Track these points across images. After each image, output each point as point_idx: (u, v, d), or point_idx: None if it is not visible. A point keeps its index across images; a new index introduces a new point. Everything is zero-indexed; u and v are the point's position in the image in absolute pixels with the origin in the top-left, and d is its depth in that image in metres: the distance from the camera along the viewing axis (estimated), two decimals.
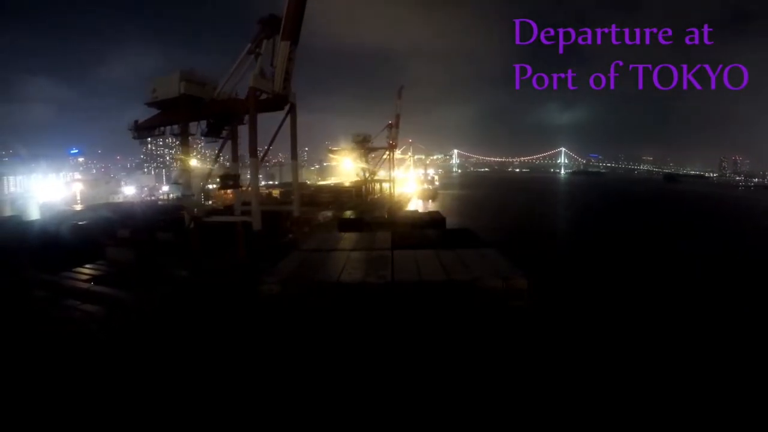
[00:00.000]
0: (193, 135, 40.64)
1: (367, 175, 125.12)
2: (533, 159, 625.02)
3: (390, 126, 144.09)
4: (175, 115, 38.93)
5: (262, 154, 44.52)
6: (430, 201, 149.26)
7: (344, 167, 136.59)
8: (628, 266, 58.54)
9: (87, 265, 38.55)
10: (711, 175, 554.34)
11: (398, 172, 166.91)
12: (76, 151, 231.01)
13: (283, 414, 11.28)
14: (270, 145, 41.75)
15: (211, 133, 40.79)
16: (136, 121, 42.19)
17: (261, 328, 13.09)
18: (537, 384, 11.77)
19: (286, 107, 38.11)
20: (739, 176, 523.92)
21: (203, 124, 40.40)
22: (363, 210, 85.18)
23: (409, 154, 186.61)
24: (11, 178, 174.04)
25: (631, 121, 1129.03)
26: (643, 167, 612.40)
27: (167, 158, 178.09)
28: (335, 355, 11.94)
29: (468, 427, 10.95)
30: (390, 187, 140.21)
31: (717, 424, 21.24)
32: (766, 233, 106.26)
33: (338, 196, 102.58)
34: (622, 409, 19.92)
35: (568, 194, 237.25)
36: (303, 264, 15.49)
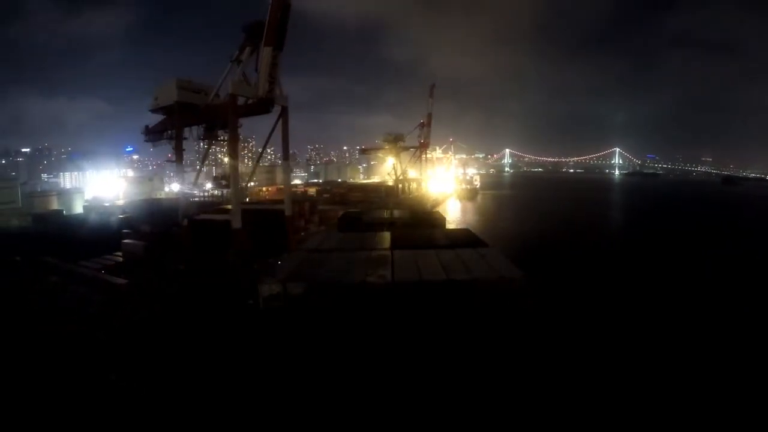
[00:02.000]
0: (186, 139, 42.93)
1: (398, 174, 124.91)
2: (587, 159, 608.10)
3: (422, 125, 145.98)
4: (176, 120, 41.66)
5: (257, 156, 46.50)
6: (468, 201, 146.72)
7: (388, 166, 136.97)
8: (647, 270, 55.92)
9: (106, 256, 41.98)
10: None
11: (438, 172, 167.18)
12: (131, 149, 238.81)
13: (283, 413, 11.38)
14: (263, 149, 44.26)
15: (207, 137, 42.99)
16: (147, 126, 44.96)
17: (261, 329, 13.04)
18: (537, 383, 11.88)
19: (277, 110, 39.72)
20: None
21: (201, 128, 42.65)
22: (390, 209, 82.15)
23: (450, 153, 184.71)
24: (68, 174, 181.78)
25: (690, 120, 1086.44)
26: (702, 169, 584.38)
27: (218, 156, 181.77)
28: (336, 355, 11.97)
29: (469, 426, 11.11)
30: (422, 187, 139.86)
31: (717, 423, 21.14)
32: None
33: (368, 195, 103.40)
34: (621, 407, 20.84)
35: (612, 196, 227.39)
36: (303, 264, 15.41)
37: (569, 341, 24.55)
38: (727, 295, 43.99)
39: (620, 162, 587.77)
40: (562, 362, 16.46)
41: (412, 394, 11.34)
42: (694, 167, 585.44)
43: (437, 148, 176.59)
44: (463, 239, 20.04)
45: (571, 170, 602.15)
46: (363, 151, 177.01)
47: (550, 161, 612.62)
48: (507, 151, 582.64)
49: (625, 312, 37.15)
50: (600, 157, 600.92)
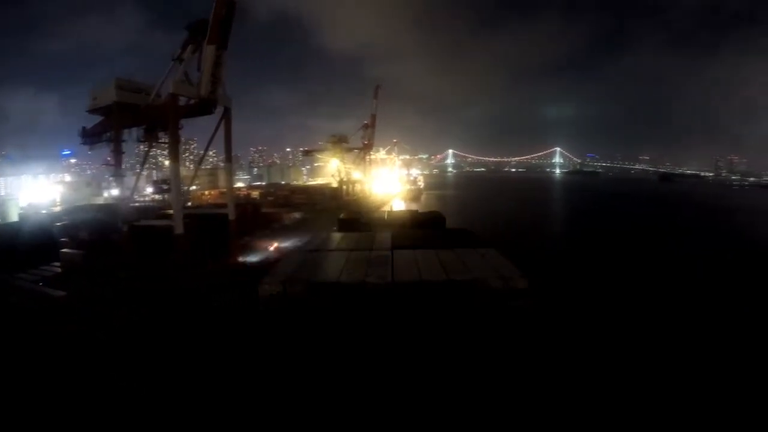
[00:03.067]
0: (126, 141, 41.49)
1: (342, 176, 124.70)
2: (529, 159, 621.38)
3: (366, 126, 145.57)
4: (116, 121, 40.15)
5: (199, 158, 45.63)
6: (412, 202, 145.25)
7: (332, 168, 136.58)
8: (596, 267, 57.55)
9: (43, 267, 39.91)
10: (707, 174, 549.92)
11: (382, 173, 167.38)
12: (69, 152, 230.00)
13: (284, 413, 11.41)
14: (205, 151, 43.32)
15: (148, 138, 41.57)
16: (84, 128, 43.35)
17: (261, 329, 12.99)
18: (537, 383, 11.91)
19: (220, 111, 38.93)
20: (735, 175, 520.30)
21: (141, 129, 41.21)
22: (335, 211, 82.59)
23: (394, 153, 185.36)
24: (1, 180, 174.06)
25: (628, 120, 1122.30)
26: (640, 167, 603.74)
27: (159, 159, 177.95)
28: (336, 356, 11.98)
29: (469, 425, 11.14)
30: (366, 188, 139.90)
31: (716, 423, 21.11)
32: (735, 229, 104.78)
33: (312, 197, 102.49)
34: (621, 407, 20.74)
35: (550, 193, 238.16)
36: (303, 264, 15.53)
37: (569, 341, 24.71)
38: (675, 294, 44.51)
39: (561, 161, 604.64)
40: (562, 362, 17.01)
41: (412, 395, 11.38)
42: (633, 165, 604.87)
43: (381, 149, 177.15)
44: (463, 239, 20.09)
45: (513, 170, 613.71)
46: (306, 153, 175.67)
47: (493, 161, 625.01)
48: (450, 151, 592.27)
49: (618, 313, 37.04)
50: (541, 156, 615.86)
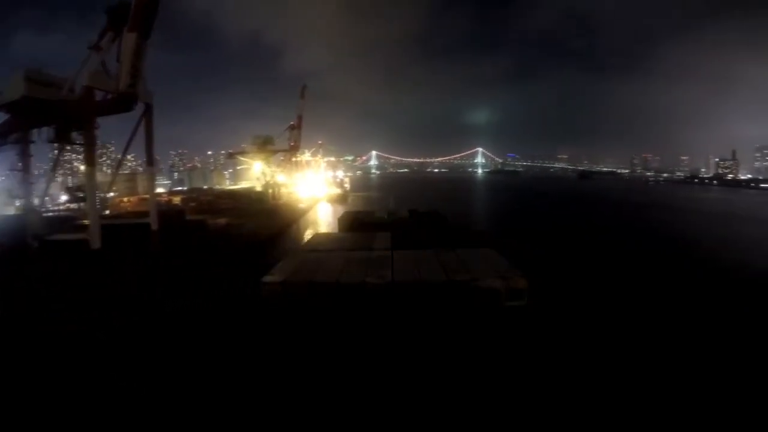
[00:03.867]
0: (35, 142, 36.73)
1: (268, 179, 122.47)
2: (451, 159, 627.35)
3: (292, 127, 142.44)
4: (24, 119, 36.13)
5: (117, 162, 42.04)
6: (339, 204, 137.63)
7: (256, 171, 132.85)
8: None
9: None
10: (623, 171, 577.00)
11: (308, 175, 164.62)
12: None
13: (284, 412, 11.34)
14: (125, 152, 39.75)
15: (60, 139, 36.93)
16: None
17: (262, 328, 13.18)
18: (537, 381, 12.07)
19: (140, 109, 35.67)
20: (650, 172, 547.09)
21: (52, 129, 35.97)
22: (263, 216, 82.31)
23: (319, 156, 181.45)
24: None
25: (547, 121, 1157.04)
26: (559, 165, 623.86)
27: (74, 164, 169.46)
28: (336, 356, 11.96)
29: (468, 425, 10.96)
30: (292, 191, 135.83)
31: (715, 423, 18.81)
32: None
33: (238, 201, 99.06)
34: (620, 406, 18.34)
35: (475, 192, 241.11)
36: (303, 264, 15.82)
37: (568, 340, 22.01)
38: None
39: (483, 161, 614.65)
40: (561, 361, 16.50)
41: (413, 394, 11.30)
42: (552, 164, 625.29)
43: (306, 151, 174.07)
44: (463, 239, 20.65)
45: (436, 170, 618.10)
46: (230, 156, 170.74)
47: (416, 162, 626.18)
48: (373, 152, 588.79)
49: (618, 312, 33.25)
50: (464, 156, 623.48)
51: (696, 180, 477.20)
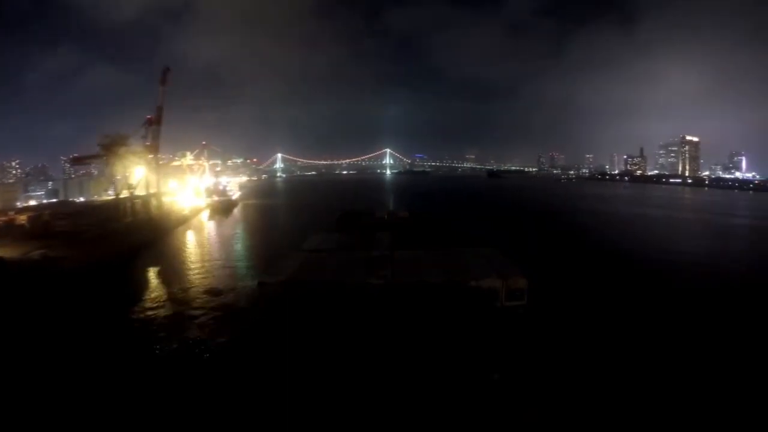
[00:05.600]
0: None
1: (130, 187, 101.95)
2: (360, 160, 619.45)
3: (149, 122, 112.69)
4: None
5: None
6: (221, 216, 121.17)
7: (137, 177, 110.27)
8: None
9: None
10: (531, 169, 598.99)
11: (191, 181, 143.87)
12: None
13: (284, 412, 11.48)
14: None
15: None
16: None
17: (262, 329, 14.01)
18: (537, 382, 12.75)
19: None
20: (556, 170, 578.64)
21: None
22: (109, 241, 68.47)
23: (203, 158, 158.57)
24: None
25: (455, 122, 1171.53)
26: (467, 165, 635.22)
27: None
28: (336, 356, 12.30)
29: (468, 424, 11.47)
30: (163, 202, 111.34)
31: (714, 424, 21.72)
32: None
33: (77, 222, 75.98)
34: (620, 406, 21.58)
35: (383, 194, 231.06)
36: (303, 265, 16.45)
37: (568, 340, 27.07)
38: None
39: (391, 162, 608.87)
40: (561, 360, 20.93)
41: (414, 393, 11.72)
42: (460, 164, 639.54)
43: (188, 153, 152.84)
44: (463, 239, 21.84)
45: (345, 172, 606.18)
46: (76, 161, 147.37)
47: (324, 164, 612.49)
48: (279, 155, 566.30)
49: (618, 314, 37.11)
50: (372, 157, 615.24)
51: (607, 177, 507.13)
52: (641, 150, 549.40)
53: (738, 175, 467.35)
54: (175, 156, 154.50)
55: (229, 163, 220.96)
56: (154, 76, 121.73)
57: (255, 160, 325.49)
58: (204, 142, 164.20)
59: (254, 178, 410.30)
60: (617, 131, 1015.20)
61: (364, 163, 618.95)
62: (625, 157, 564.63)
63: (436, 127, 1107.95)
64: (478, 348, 12.40)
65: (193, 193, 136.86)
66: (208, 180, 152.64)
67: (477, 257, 16.54)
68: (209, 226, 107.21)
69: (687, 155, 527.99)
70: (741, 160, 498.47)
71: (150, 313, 39.27)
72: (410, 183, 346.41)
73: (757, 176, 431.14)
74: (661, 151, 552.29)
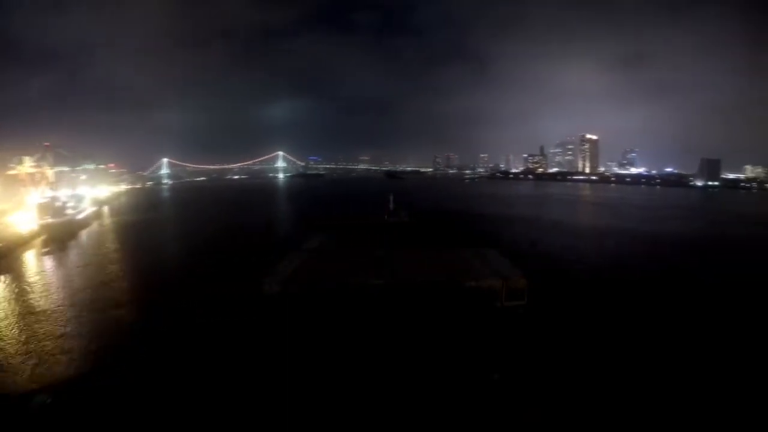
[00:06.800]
0: None
1: None
2: (252, 164, 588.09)
3: None
4: None
5: None
6: (56, 248, 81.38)
7: None
8: None
9: None
10: (426, 170, 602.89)
11: (30, 195, 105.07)
12: None
13: (284, 411, 12.46)
14: None
15: None
16: None
17: (262, 329, 14.64)
18: (537, 381, 13.44)
19: None
20: (452, 170, 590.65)
21: None
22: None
23: (46, 164, 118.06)
24: None
25: (349, 125, 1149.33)
26: (361, 167, 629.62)
27: None
28: (338, 354, 13.25)
29: (468, 424, 12.13)
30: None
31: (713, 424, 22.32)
32: None
33: None
34: (620, 406, 21.44)
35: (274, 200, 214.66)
36: (303, 265, 17.57)
37: (567, 340, 27.05)
38: None
39: (284, 165, 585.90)
40: (561, 360, 20.86)
41: (414, 393, 12.80)
42: (355, 166, 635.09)
43: (27, 158, 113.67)
44: (462, 239, 25.54)
45: (236, 176, 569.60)
46: None
47: (214, 168, 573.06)
48: (165, 160, 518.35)
49: (621, 313, 38.69)
50: (264, 161, 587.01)
51: (510, 176, 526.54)
52: (541, 149, 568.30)
53: (633, 170, 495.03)
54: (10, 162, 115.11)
55: (80, 169, 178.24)
56: None
57: (112, 165, 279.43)
58: (47, 144, 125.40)
59: (138, 186, 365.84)
60: (513, 132, 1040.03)
61: (256, 167, 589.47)
62: (525, 155, 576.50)
63: (330, 129, 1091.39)
64: (478, 348, 13.46)
65: (37, 210, 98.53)
66: (48, 193, 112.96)
67: (477, 257, 17.76)
68: (28, 267, 68.59)
69: (587, 153, 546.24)
70: (634, 156, 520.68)
71: None
72: (304, 187, 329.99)
73: (654, 171, 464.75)
74: (558, 150, 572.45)
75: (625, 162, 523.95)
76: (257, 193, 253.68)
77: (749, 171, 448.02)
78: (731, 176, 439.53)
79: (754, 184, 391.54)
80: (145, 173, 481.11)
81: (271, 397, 14.30)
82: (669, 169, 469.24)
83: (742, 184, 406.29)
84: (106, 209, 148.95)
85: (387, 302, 15.94)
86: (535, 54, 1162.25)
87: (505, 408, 13.90)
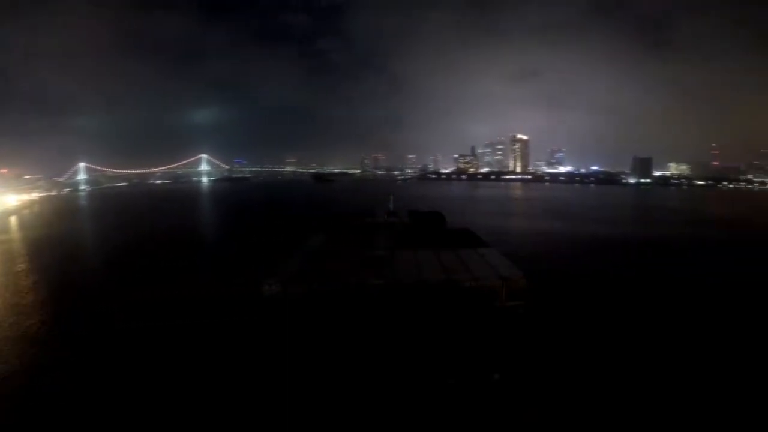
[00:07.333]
0: None
1: None
2: (175, 167, 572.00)
3: None
4: None
5: None
6: None
7: None
8: None
9: None
10: (354, 171, 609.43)
11: None
12: None
13: (285, 411, 12.55)
14: None
15: None
16: None
17: (263, 329, 14.26)
18: (537, 382, 14.35)
19: None
20: (380, 171, 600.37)
21: None
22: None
23: None
24: None
25: (275, 127, 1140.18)
26: (288, 169, 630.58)
27: None
28: (336, 356, 13.02)
29: (468, 424, 12.38)
30: None
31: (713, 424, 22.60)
32: None
33: None
34: (620, 406, 22.18)
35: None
36: (304, 265, 17.23)
37: (567, 340, 29.18)
38: None
39: (209, 168, 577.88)
40: (561, 360, 21.95)
41: (413, 393, 12.65)
42: (282, 168, 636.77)
43: None
44: (463, 239, 22.94)
45: (158, 181, 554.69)
46: None
47: (136, 173, 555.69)
48: (81, 165, 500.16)
49: (616, 314, 41.67)
50: (188, 164, 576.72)
51: (443, 176, 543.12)
52: (473, 149, 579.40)
53: (561, 169, 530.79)
54: None
55: None
56: None
57: (5, 170, 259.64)
58: None
59: (53, 193, 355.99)
60: (440, 133, 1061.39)
61: (180, 171, 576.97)
62: (455, 156, 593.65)
63: (256, 132, 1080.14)
64: (479, 348, 12.98)
65: None
66: None
67: (477, 257, 17.41)
68: None
69: (519, 152, 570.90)
70: (562, 156, 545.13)
71: None
72: (227, 192, 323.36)
73: (582, 170, 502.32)
74: (487, 150, 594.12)
75: (553, 161, 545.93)
76: (177, 201, 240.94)
77: (673, 168, 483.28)
78: (660, 173, 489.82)
79: (684, 181, 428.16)
80: (61, 179, 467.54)
81: (273, 396, 14.17)
82: (595, 168, 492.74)
83: (672, 180, 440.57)
84: (13, 220, 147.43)
85: (387, 302, 15.45)
86: (447, 63, 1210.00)
87: (505, 408, 13.75)
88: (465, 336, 14.07)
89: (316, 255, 18.67)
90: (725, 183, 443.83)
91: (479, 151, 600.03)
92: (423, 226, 27.31)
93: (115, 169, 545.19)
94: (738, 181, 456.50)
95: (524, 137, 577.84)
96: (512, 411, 13.40)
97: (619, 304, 47.10)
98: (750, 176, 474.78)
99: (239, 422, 14.58)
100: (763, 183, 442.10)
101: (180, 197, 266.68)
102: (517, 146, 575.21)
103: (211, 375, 18.58)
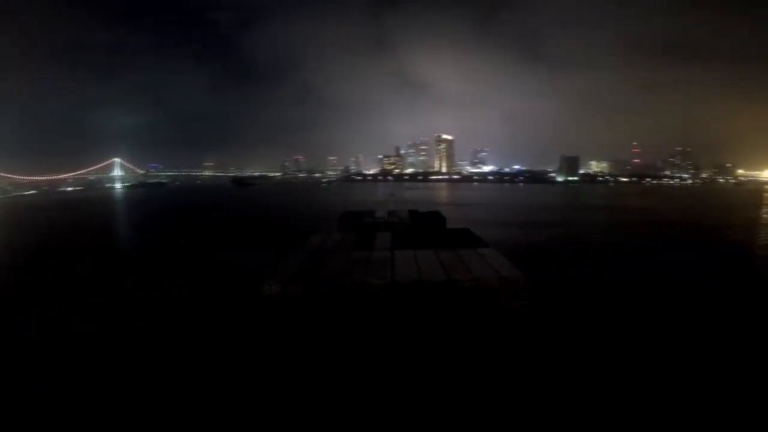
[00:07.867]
0: None
1: None
2: (86, 173, 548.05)
3: None
4: None
5: None
6: None
7: None
8: None
9: None
10: (275, 174, 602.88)
11: None
12: None
13: (283, 415, 11.87)
14: None
15: None
16: None
17: (261, 330, 13.37)
18: (537, 384, 12.77)
19: None
20: (302, 173, 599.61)
21: None
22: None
23: None
24: None
25: (191, 130, 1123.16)
26: (206, 173, 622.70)
27: None
28: (336, 357, 12.50)
29: (469, 426, 11.86)
30: None
31: (714, 424, 21.99)
32: None
33: None
34: (621, 407, 21.90)
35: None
36: (303, 264, 16.37)
37: (569, 341, 27.47)
38: None
39: (122, 174, 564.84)
40: (562, 363, 21.18)
41: (414, 395, 12.10)
42: (200, 172, 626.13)
43: None
44: (463, 239, 21.69)
45: (70, 188, 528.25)
46: None
47: (45, 180, 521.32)
48: None
49: (621, 313, 38.52)
50: (100, 169, 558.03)
51: (369, 178, 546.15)
52: (397, 149, 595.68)
53: (485, 169, 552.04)
54: None
55: None
56: None
57: None
58: None
59: None
60: (365, 133, 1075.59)
61: (91, 177, 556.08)
62: (380, 156, 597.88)
63: (171, 135, 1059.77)
64: (480, 348, 12.43)
65: None
66: None
67: (478, 257, 16.64)
68: None
69: (444, 153, 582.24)
70: (485, 155, 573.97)
71: None
72: (141, 199, 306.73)
73: (506, 169, 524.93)
74: (411, 150, 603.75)
75: (476, 161, 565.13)
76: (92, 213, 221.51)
77: (595, 166, 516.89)
78: (589, 171, 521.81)
79: (611, 178, 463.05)
80: None
81: (270, 400, 13.03)
82: (517, 167, 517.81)
83: (599, 178, 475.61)
84: None
85: (387, 303, 14.00)
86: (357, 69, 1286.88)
87: (506, 408, 12.96)
88: (466, 336, 13.33)
89: (316, 255, 17.87)
90: (648, 179, 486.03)
91: (402, 151, 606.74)
92: (423, 226, 26.62)
93: (21, 175, 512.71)
94: (660, 177, 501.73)
95: (449, 137, 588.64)
96: (515, 411, 12.69)
97: (618, 304, 43.88)
98: (668, 172, 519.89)
99: (239, 422, 14.15)
100: (682, 179, 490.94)
101: (100, 208, 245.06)
102: (442, 146, 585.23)
103: (211, 376, 18.92)
